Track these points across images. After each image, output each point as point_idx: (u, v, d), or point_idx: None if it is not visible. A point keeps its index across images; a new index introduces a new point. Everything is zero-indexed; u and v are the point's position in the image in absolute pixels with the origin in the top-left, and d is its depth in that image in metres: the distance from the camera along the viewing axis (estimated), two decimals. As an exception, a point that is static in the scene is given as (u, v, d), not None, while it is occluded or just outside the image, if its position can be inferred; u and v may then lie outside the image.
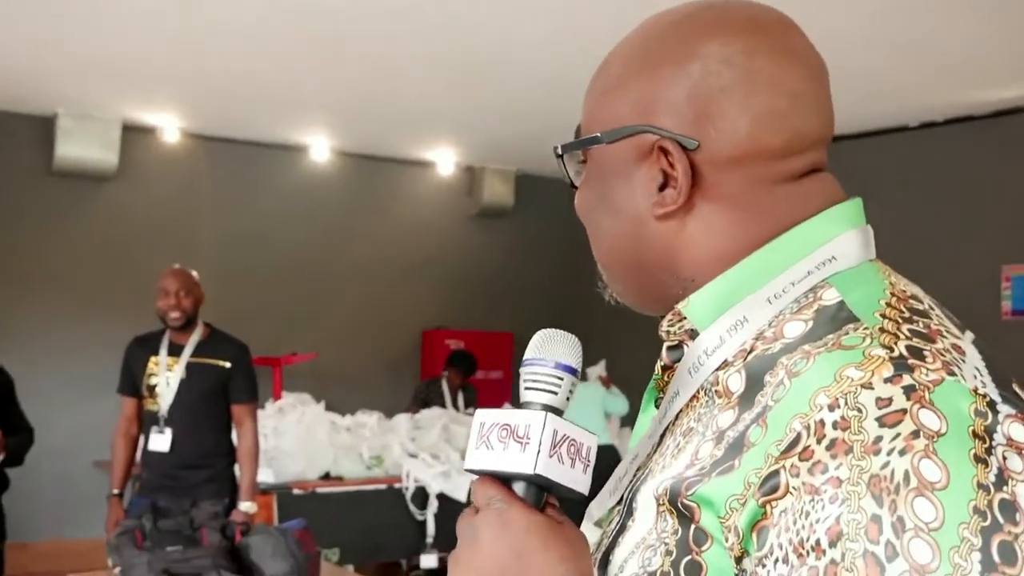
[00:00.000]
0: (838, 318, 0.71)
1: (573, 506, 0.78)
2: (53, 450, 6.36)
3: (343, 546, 5.35)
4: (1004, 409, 0.64)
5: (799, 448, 0.64)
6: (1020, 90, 6.31)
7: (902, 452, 0.61)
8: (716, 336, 0.76)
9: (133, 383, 4.37)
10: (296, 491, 5.46)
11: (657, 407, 0.85)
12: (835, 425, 0.64)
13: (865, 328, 0.69)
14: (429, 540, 5.71)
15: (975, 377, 0.66)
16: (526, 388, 0.75)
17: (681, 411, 0.79)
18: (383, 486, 5.76)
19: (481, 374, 8.02)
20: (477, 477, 0.75)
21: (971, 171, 7.01)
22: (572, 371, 0.76)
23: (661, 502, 0.72)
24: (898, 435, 0.62)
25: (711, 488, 0.68)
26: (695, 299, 0.78)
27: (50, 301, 7.32)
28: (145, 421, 4.36)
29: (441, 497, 5.73)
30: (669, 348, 0.84)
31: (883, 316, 0.71)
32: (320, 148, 8.31)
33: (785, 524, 0.63)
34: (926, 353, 0.67)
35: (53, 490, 7.09)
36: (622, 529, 0.76)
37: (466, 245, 9.18)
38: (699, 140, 0.76)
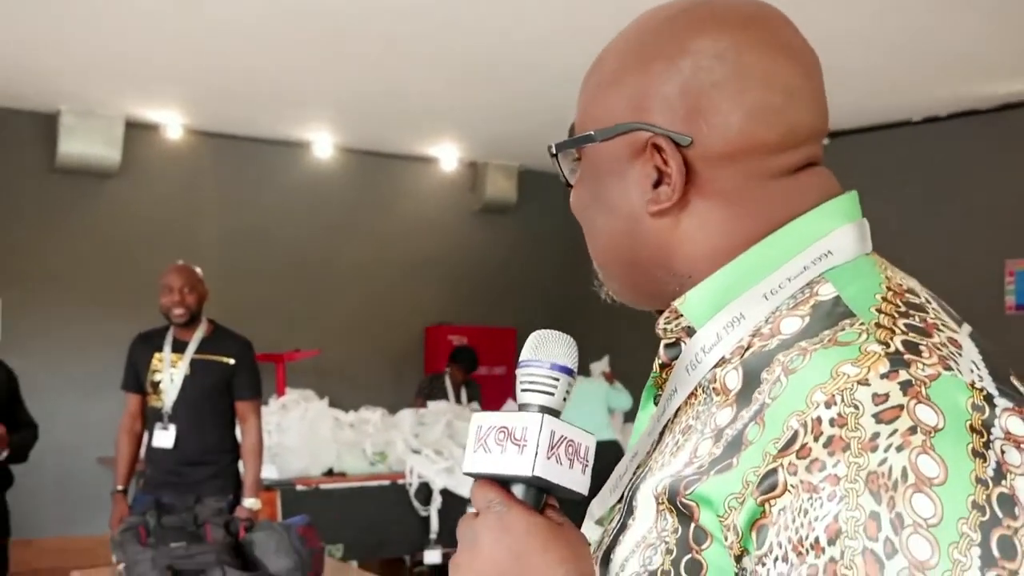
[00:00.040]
0: (834, 313, 0.71)
1: (575, 504, 0.77)
2: (57, 447, 6.38)
3: (347, 542, 5.35)
4: (1001, 403, 0.64)
5: (796, 446, 0.64)
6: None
7: (899, 448, 0.61)
8: (713, 333, 0.76)
9: (137, 380, 4.38)
10: (300, 487, 5.47)
11: (656, 404, 0.85)
12: (832, 422, 0.63)
13: (861, 324, 0.69)
14: (433, 536, 5.71)
15: (972, 371, 0.66)
16: (523, 390, 0.75)
17: (680, 408, 0.79)
18: (387, 482, 5.76)
19: (484, 370, 8.02)
20: (476, 480, 0.75)
21: (975, 166, 7.00)
22: (568, 372, 0.75)
23: (661, 501, 0.71)
24: (895, 431, 0.62)
25: (710, 487, 0.67)
26: (691, 296, 0.78)
27: (53, 298, 7.33)
28: (149, 418, 4.37)
29: (445, 493, 5.73)
30: (667, 346, 0.83)
31: (879, 311, 0.70)
32: (323, 144, 8.31)
33: (784, 522, 0.63)
34: (922, 348, 0.67)
35: (57, 487, 7.11)
36: (623, 528, 0.76)
37: (469, 241, 9.18)
38: (692, 136, 0.76)
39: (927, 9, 4.94)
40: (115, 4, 5.09)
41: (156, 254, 6.72)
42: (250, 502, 4.25)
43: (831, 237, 0.76)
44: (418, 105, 7.10)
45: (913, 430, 0.61)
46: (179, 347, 4.33)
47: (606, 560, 0.76)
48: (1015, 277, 6.87)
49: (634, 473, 0.81)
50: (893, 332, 0.68)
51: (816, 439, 0.63)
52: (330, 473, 5.73)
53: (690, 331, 0.78)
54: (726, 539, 0.66)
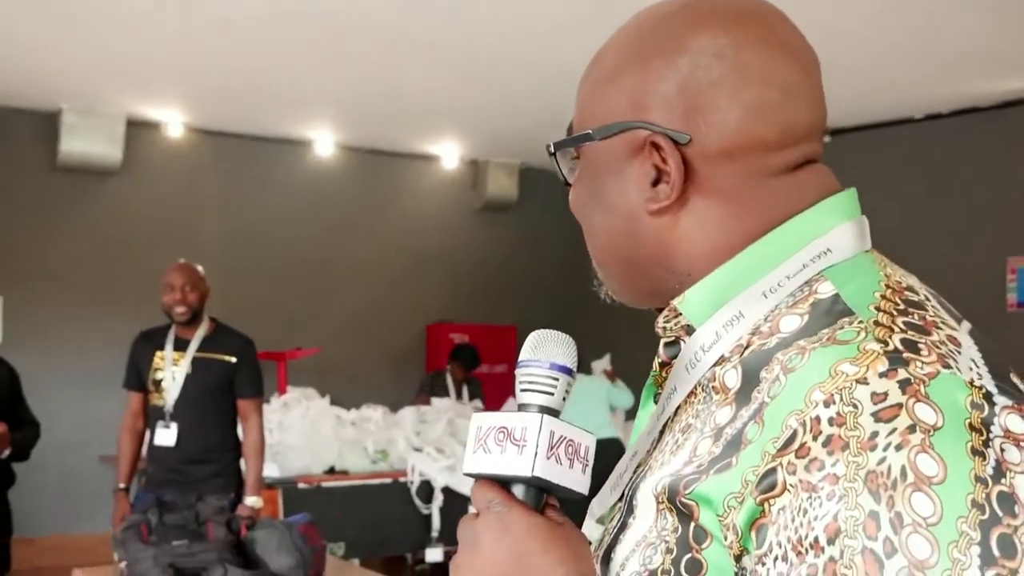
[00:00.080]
0: (833, 312, 0.71)
1: (576, 503, 0.77)
2: (59, 445, 6.38)
3: (348, 540, 5.35)
4: (1001, 401, 0.64)
5: (796, 445, 0.64)
6: (1025, 81, 6.29)
7: (898, 447, 0.61)
8: (712, 332, 0.76)
9: (139, 378, 4.38)
10: (301, 485, 5.47)
11: (656, 403, 0.85)
12: (831, 421, 0.63)
13: (860, 322, 0.69)
14: (434, 534, 5.71)
15: (971, 369, 0.66)
16: (522, 390, 0.75)
17: (679, 407, 0.79)
18: (388, 480, 5.76)
19: (485, 368, 8.02)
20: (476, 481, 0.75)
21: (976, 163, 6.99)
22: (567, 371, 0.75)
23: (660, 500, 0.71)
24: (894, 430, 0.61)
25: (709, 486, 0.67)
26: (690, 295, 0.78)
27: (54, 296, 7.33)
28: (151, 416, 4.37)
29: (446, 491, 5.73)
30: (666, 344, 0.83)
31: (878, 309, 0.70)
32: (324, 143, 8.31)
33: (783, 522, 0.63)
34: (921, 346, 0.66)
35: (59, 485, 7.11)
36: (623, 526, 0.76)
37: (470, 239, 9.18)
38: (690, 134, 0.76)
39: (928, 7, 4.94)
40: (116, 3, 5.09)
41: (157, 252, 6.72)
42: (252, 500, 4.25)
43: (830, 235, 0.76)
44: (419, 103, 7.10)
45: (912, 429, 0.61)
46: (181, 345, 4.33)
47: (607, 559, 0.76)
48: (1017, 275, 6.86)
49: (634, 472, 0.81)
50: (892, 330, 0.68)
51: (815, 438, 0.63)
52: (332, 471, 5.73)
53: (689, 329, 0.78)
54: (726, 539, 0.66)
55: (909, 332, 0.68)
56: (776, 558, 0.63)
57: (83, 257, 7.50)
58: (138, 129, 7.53)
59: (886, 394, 0.63)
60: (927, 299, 0.73)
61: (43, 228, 7.38)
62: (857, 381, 0.64)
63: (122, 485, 4.39)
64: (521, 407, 0.75)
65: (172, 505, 4.01)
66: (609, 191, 0.81)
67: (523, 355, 0.76)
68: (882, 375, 0.64)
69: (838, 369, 0.65)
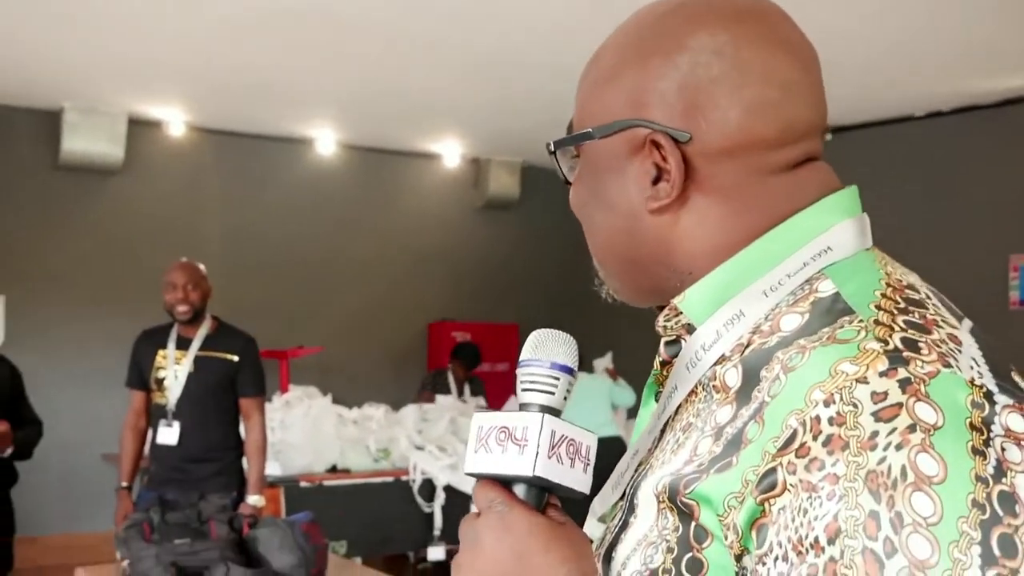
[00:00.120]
0: (833, 310, 0.71)
1: (578, 502, 0.78)
2: (61, 444, 6.39)
3: (350, 538, 5.36)
4: (1002, 399, 0.64)
5: (796, 445, 0.64)
6: (1027, 78, 6.29)
7: (899, 447, 0.60)
8: (713, 331, 0.76)
9: (141, 376, 4.39)
10: (303, 484, 5.47)
11: (657, 402, 0.85)
12: (831, 421, 0.63)
13: (860, 321, 0.69)
14: (436, 532, 5.71)
15: (972, 368, 0.66)
16: (523, 389, 0.75)
17: (680, 406, 0.79)
18: (390, 478, 5.76)
19: (487, 366, 8.02)
20: (478, 480, 0.75)
21: (978, 161, 6.99)
22: (568, 371, 0.75)
23: (661, 499, 0.71)
24: (894, 429, 0.61)
25: (709, 486, 0.67)
26: (691, 293, 0.78)
27: (56, 295, 7.34)
28: (153, 414, 4.38)
29: (448, 489, 5.73)
30: (667, 343, 0.83)
31: (878, 308, 0.70)
32: (326, 141, 8.31)
33: (784, 522, 0.63)
34: (921, 345, 0.66)
35: (61, 484, 7.12)
36: (624, 525, 0.76)
37: (472, 237, 9.18)
38: (690, 132, 0.75)
39: (929, 5, 4.94)
40: (118, 2, 5.09)
41: (159, 251, 6.73)
42: (254, 499, 4.26)
43: (831, 233, 0.76)
44: (420, 101, 7.10)
45: (912, 428, 0.61)
46: (183, 344, 4.34)
47: (608, 558, 0.76)
48: (1019, 272, 6.86)
49: (636, 470, 0.81)
50: (892, 329, 0.68)
51: (815, 438, 0.63)
52: (334, 470, 5.74)
53: (690, 328, 0.78)
54: (726, 538, 0.66)
55: (909, 331, 0.68)
56: (776, 558, 0.63)
57: (85, 256, 7.50)
58: (140, 128, 7.53)
59: (886, 393, 0.63)
60: (928, 297, 0.73)
61: (45, 227, 7.38)
62: (857, 380, 0.64)
63: (124, 484, 4.40)
64: (522, 406, 0.75)
65: (174, 504, 4.01)
66: (609, 189, 0.81)
67: (524, 354, 0.76)
68: (882, 374, 0.64)
69: (838, 368, 0.65)
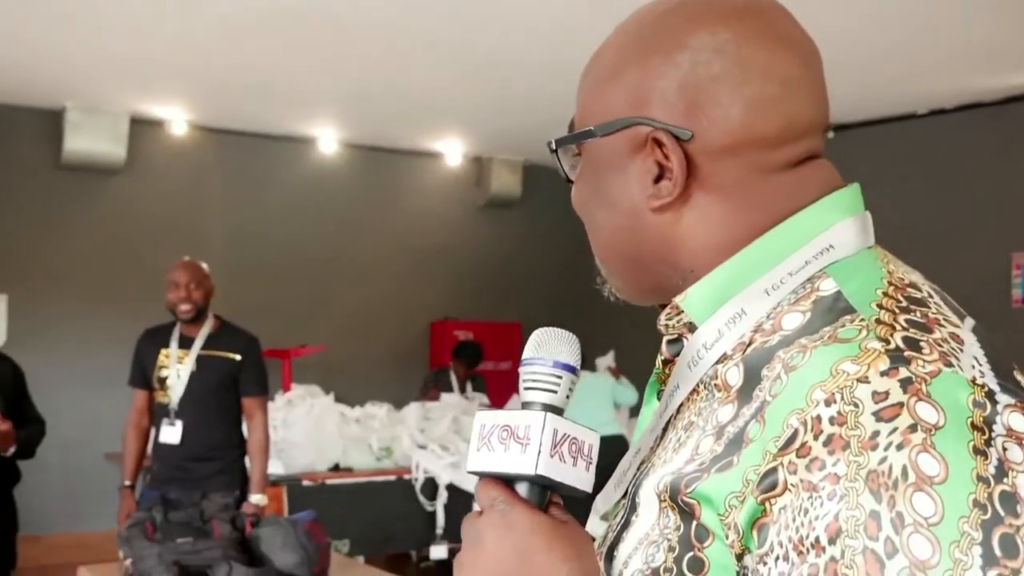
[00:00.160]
0: (835, 309, 0.71)
1: (580, 500, 0.78)
2: (64, 443, 6.39)
3: (353, 537, 5.36)
4: (1003, 399, 0.63)
5: (796, 445, 0.64)
6: (1030, 76, 6.28)
7: (900, 447, 0.60)
8: (714, 329, 0.76)
9: (144, 375, 4.39)
10: (306, 483, 5.47)
11: (659, 400, 0.85)
12: (832, 421, 0.63)
13: (861, 320, 0.68)
14: (439, 531, 5.72)
15: (973, 367, 0.65)
16: (525, 388, 0.75)
17: (682, 405, 0.78)
18: (393, 477, 5.77)
19: (490, 365, 8.02)
20: (480, 479, 0.75)
21: (981, 158, 6.98)
22: (571, 369, 0.75)
23: (663, 498, 0.71)
24: (895, 429, 0.61)
25: (710, 485, 0.67)
26: (692, 292, 0.77)
27: (59, 294, 7.35)
28: (156, 413, 4.38)
29: (451, 488, 5.73)
30: (669, 342, 0.83)
31: (880, 307, 0.70)
32: (328, 140, 8.31)
33: (785, 522, 0.63)
34: (923, 344, 0.66)
35: (64, 483, 7.13)
36: (626, 524, 0.76)
37: (474, 236, 9.18)
38: (692, 130, 0.75)
39: (930, 3, 4.93)
40: (119, 1, 5.09)
41: (161, 250, 6.74)
42: (256, 498, 4.26)
43: (833, 231, 0.76)
44: (422, 100, 7.10)
45: (913, 428, 0.61)
46: (186, 343, 4.34)
47: (610, 556, 0.76)
48: (1022, 270, 6.85)
49: (638, 469, 0.81)
50: (893, 328, 0.67)
51: (816, 437, 0.63)
52: (336, 468, 5.74)
53: (692, 327, 0.78)
54: (727, 537, 0.66)
55: (911, 330, 0.67)
56: (777, 557, 0.63)
57: (87, 255, 7.51)
58: (142, 127, 7.54)
59: (887, 393, 0.63)
60: (930, 296, 0.73)
61: (47, 226, 7.39)
62: (858, 380, 0.64)
63: (127, 483, 4.40)
64: (525, 405, 0.75)
65: (177, 502, 4.02)
66: (611, 188, 0.81)
67: (526, 353, 0.76)
68: (883, 374, 0.64)
69: (839, 368, 0.65)
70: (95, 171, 7.46)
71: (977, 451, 0.60)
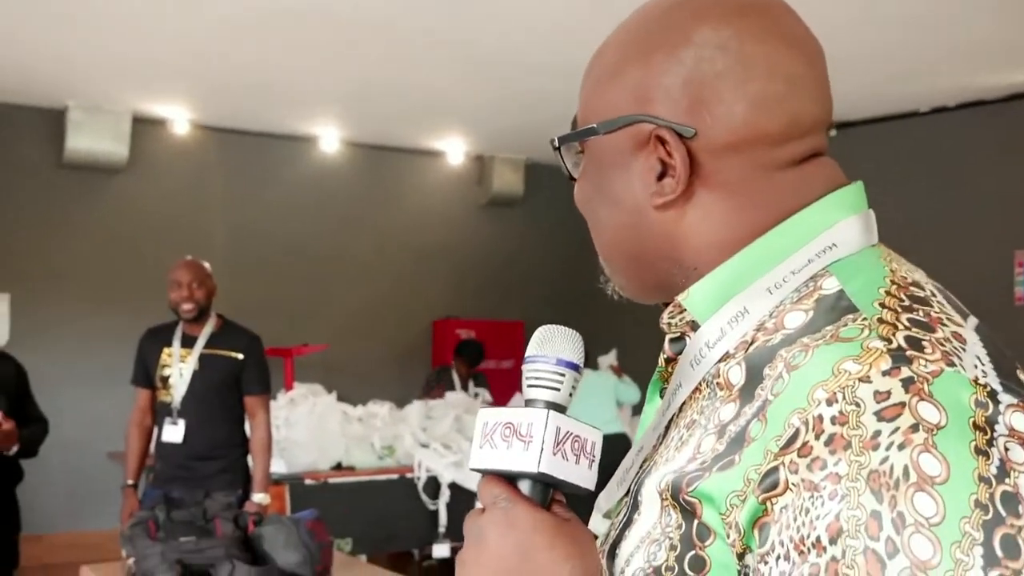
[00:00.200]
0: (837, 308, 0.70)
1: (582, 498, 0.78)
2: (66, 442, 6.40)
3: (355, 536, 5.36)
4: (1006, 399, 0.63)
5: (798, 444, 0.63)
6: (1032, 74, 6.27)
7: (901, 446, 0.60)
8: (717, 328, 0.76)
9: (147, 374, 4.39)
10: (308, 481, 5.47)
11: (662, 399, 0.84)
12: (833, 420, 0.63)
13: (864, 319, 0.68)
14: (441, 530, 5.72)
15: (976, 366, 0.65)
16: (528, 386, 0.75)
17: (685, 403, 0.78)
18: (395, 476, 5.77)
19: (492, 363, 8.03)
20: (483, 476, 0.74)
21: (983, 156, 6.97)
22: (574, 367, 0.75)
23: (664, 497, 0.71)
24: (897, 429, 0.61)
25: (712, 484, 0.67)
26: (695, 291, 0.77)
27: (61, 294, 7.35)
28: (158, 412, 4.38)
29: (453, 487, 5.73)
30: (671, 340, 0.83)
31: (882, 306, 0.69)
32: (329, 139, 8.32)
33: (786, 521, 0.63)
34: (925, 343, 0.66)
35: (66, 482, 7.14)
36: (628, 522, 0.76)
37: (476, 234, 9.18)
38: (695, 128, 0.75)
39: (932, 1, 4.93)
40: (119, 1, 5.10)
41: (163, 249, 6.74)
42: (259, 497, 4.26)
43: (836, 229, 0.75)
44: (423, 99, 7.10)
45: (915, 428, 0.61)
46: (188, 342, 4.34)
47: (612, 554, 0.76)
48: (1024, 268, 6.85)
49: (640, 467, 0.81)
50: (896, 327, 0.67)
51: (817, 437, 0.63)
52: (338, 467, 5.74)
53: (694, 325, 0.78)
54: (728, 536, 0.66)
55: (913, 329, 0.67)
56: (778, 557, 0.63)
57: (89, 254, 7.51)
58: (144, 126, 7.54)
59: (889, 392, 0.62)
60: (933, 295, 0.73)
61: (49, 225, 7.39)
62: (860, 379, 0.63)
63: (130, 481, 4.41)
64: (528, 403, 0.75)
65: (180, 501, 4.02)
66: (614, 185, 0.80)
67: (529, 351, 0.76)
68: (885, 373, 0.63)
69: (841, 367, 0.65)
70: (97, 170, 7.47)
71: (979, 451, 0.60)
